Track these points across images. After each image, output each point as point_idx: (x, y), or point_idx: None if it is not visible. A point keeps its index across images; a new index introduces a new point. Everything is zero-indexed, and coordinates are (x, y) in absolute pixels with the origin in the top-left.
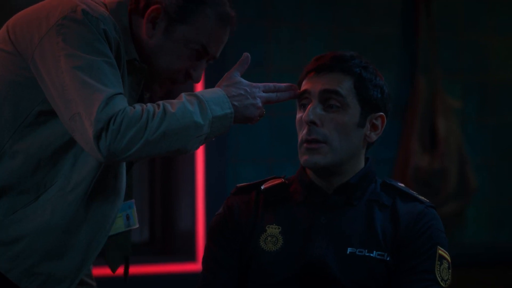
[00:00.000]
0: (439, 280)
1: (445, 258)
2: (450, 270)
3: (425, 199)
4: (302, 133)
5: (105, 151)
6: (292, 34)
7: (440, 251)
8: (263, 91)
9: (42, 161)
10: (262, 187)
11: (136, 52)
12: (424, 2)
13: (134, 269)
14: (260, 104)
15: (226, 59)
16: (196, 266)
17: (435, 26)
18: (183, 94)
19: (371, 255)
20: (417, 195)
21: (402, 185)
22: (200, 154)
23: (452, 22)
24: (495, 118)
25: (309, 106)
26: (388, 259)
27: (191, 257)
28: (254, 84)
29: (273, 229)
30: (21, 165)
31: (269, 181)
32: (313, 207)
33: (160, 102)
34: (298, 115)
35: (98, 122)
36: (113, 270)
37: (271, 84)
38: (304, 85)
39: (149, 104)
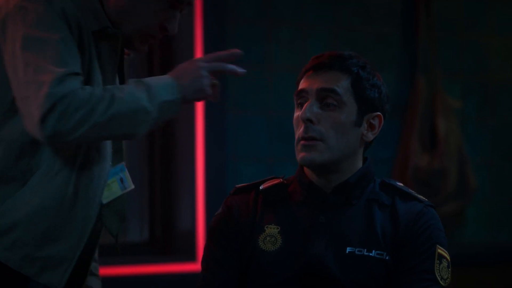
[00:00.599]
0: (439, 279)
1: (444, 257)
2: (449, 269)
3: (424, 198)
4: (299, 131)
5: (51, 131)
6: (292, 34)
7: (439, 250)
8: (206, 61)
9: (25, 147)
10: (260, 187)
11: (108, 18)
12: (424, 2)
13: (134, 269)
14: (205, 73)
15: None
16: (196, 266)
17: (435, 26)
18: (130, 80)
19: (370, 254)
20: (416, 194)
21: (401, 184)
22: (200, 153)
23: (452, 22)
24: (495, 118)
25: (306, 104)
26: (387, 258)
27: (191, 257)
28: (195, 58)
29: (272, 229)
30: (4, 153)
31: (268, 181)
32: (312, 207)
33: (109, 87)
34: (296, 114)
35: (45, 104)
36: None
37: (213, 55)
38: (302, 84)
39: (97, 88)
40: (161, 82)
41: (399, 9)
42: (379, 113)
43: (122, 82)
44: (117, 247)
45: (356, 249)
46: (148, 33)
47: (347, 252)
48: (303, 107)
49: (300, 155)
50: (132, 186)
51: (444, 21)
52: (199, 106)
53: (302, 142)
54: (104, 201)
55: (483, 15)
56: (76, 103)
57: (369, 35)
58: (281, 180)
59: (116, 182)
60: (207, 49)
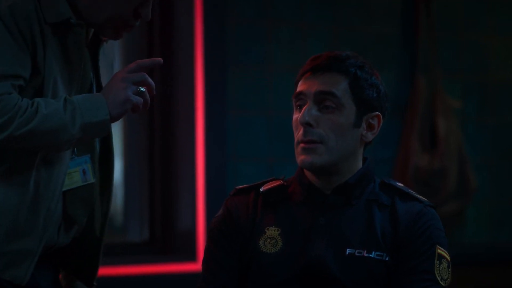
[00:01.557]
0: (439, 279)
1: (444, 257)
2: (449, 269)
3: (424, 199)
4: (298, 134)
5: None
6: (292, 34)
7: (439, 251)
8: (128, 72)
9: None
10: (261, 190)
11: (74, 9)
12: (424, 2)
13: (134, 269)
14: (127, 83)
15: (227, 58)
16: (196, 266)
17: (435, 26)
18: (62, 97)
19: (370, 255)
20: (416, 195)
21: (401, 184)
22: (200, 153)
23: (452, 22)
24: (495, 118)
25: (304, 108)
26: (387, 259)
27: (191, 257)
28: (118, 71)
29: (272, 231)
30: None
31: (268, 183)
32: (312, 208)
33: (36, 100)
34: (294, 116)
35: None
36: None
37: (133, 65)
38: (300, 86)
39: (25, 99)
40: (89, 102)
41: (399, 9)
42: (378, 113)
43: (96, 72)
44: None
45: (356, 251)
46: (122, 21)
47: (347, 253)
48: (302, 111)
49: (300, 158)
50: (93, 180)
51: (444, 21)
52: (199, 106)
53: (301, 145)
54: (64, 188)
55: (483, 15)
56: None
57: (369, 35)
58: (281, 181)
59: (78, 172)
60: (207, 49)
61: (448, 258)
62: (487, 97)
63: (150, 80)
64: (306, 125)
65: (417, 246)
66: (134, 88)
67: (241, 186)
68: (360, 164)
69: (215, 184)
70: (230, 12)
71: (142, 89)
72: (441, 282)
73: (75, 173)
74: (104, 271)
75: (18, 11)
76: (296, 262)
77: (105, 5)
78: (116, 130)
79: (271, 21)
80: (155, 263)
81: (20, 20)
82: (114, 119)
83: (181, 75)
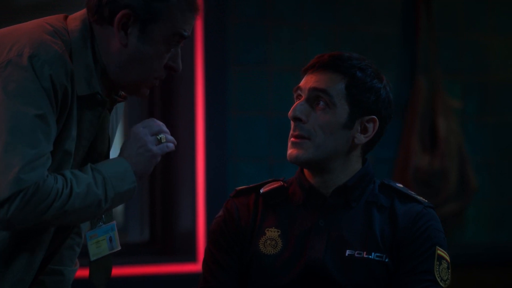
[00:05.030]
0: (439, 280)
1: (444, 258)
2: (449, 270)
3: (424, 200)
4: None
5: (4, 218)
6: (292, 34)
7: (439, 251)
8: (143, 127)
9: None
10: (261, 191)
11: (103, 76)
12: (424, 2)
13: (134, 269)
14: (148, 138)
15: (227, 58)
16: (196, 266)
17: (435, 26)
18: (89, 168)
19: (370, 257)
20: (416, 196)
21: (401, 185)
22: (200, 153)
23: (452, 22)
24: (495, 118)
25: (297, 102)
26: (387, 260)
27: (191, 257)
28: (135, 127)
29: (272, 232)
30: None
31: (268, 185)
32: (312, 209)
33: (69, 177)
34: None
35: (8, 191)
36: None
37: (148, 120)
38: (301, 81)
39: (59, 179)
40: (117, 171)
41: (399, 9)
42: (374, 116)
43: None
44: None
45: (356, 252)
46: (154, 78)
47: (346, 255)
48: (294, 105)
49: (288, 152)
50: (119, 247)
51: (444, 21)
52: (199, 107)
53: (291, 139)
54: (93, 258)
55: (483, 15)
56: (37, 199)
57: (369, 35)
58: (281, 183)
59: (105, 240)
60: (207, 49)
61: (448, 259)
62: (487, 97)
63: (166, 128)
64: (295, 119)
65: (416, 247)
66: (154, 139)
67: (241, 188)
68: (357, 166)
69: (215, 184)
70: (230, 12)
71: (161, 135)
72: (441, 283)
73: (103, 241)
74: None
75: (58, 84)
76: (296, 264)
77: (135, 67)
78: (117, 130)
79: (271, 21)
80: (155, 264)
81: (59, 91)
82: (143, 179)
83: (181, 75)
